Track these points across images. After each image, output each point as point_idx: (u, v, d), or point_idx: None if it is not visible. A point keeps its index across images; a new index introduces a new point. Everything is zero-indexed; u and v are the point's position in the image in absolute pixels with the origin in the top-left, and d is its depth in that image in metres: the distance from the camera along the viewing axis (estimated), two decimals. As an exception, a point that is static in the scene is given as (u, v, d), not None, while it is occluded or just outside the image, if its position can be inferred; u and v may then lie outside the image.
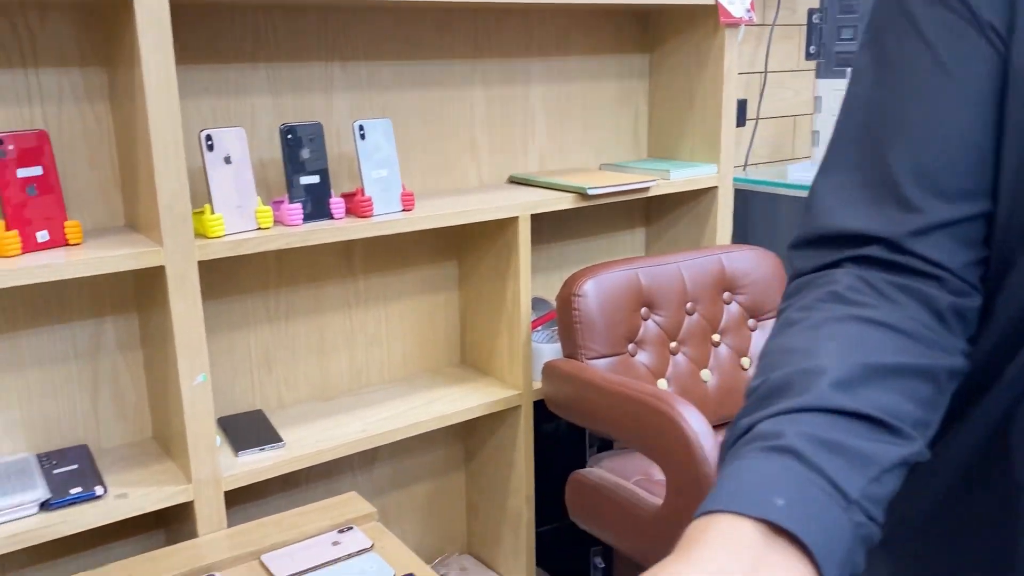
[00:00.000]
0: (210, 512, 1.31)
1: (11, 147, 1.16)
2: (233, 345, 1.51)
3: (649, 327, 1.57)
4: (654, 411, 1.27)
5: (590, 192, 1.59)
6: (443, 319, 1.75)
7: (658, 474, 1.48)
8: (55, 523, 1.19)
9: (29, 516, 1.20)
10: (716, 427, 1.57)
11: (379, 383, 1.69)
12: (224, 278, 1.48)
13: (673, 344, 1.59)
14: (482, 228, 1.64)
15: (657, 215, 1.99)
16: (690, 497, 1.22)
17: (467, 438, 1.83)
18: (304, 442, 1.43)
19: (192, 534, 1.34)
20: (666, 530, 1.29)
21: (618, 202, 1.94)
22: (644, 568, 1.42)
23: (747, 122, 2.26)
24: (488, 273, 1.65)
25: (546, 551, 1.83)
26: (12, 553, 1.35)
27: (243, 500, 1.59)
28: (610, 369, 1.50)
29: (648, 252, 2.03)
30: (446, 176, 1.70)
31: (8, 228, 1.16)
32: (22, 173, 1.17)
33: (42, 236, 1.19)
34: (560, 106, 1.82)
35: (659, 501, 1.33)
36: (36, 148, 1.19)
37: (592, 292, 1.50)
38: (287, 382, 1.58)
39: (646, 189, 1.70)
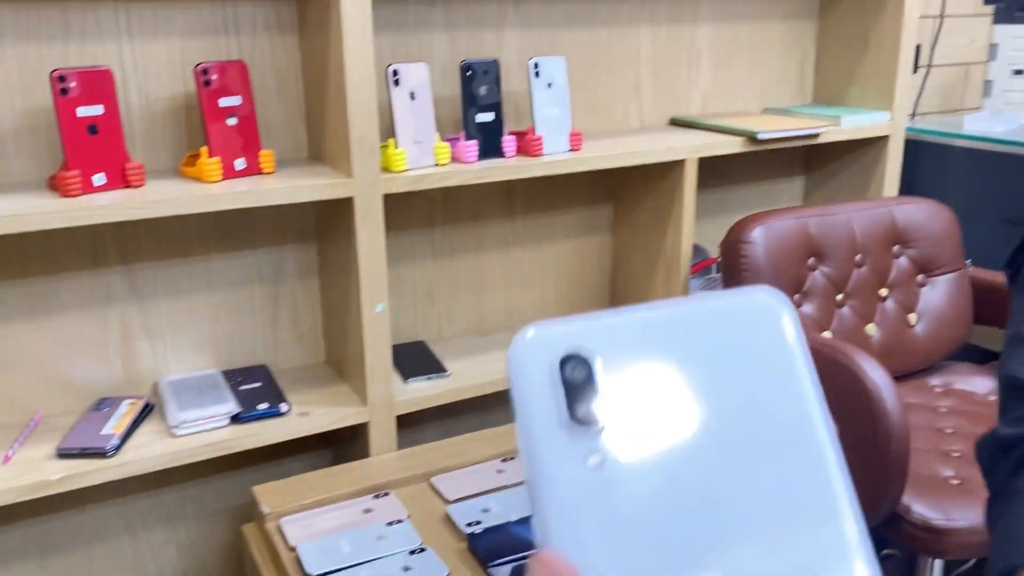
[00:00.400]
0: (382, 434, 1.37)
1: (214, 77, 1.22)
2: (400, 278, 1.55)
3: (816, 278, 1.53)
4: (832, 362, 1.24)
5: (760, 137, 1.55)
6: (596, 262, 1.75)
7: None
8: (243, 436, 1.27)
9: (221, 428, 1.28)
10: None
11: (532, 322, 1.71)
12: (395, 213, 1.52)
13: (839, 296, 1.55)
14: (644, 171, 1.62)
15: (819, 163, 1.93)
16: (867, 451, 1.20)
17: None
18: (465, 374, 1.47)
19: (361, 454, 1.40)
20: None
21: (779, 149, 1.88)
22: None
23: (918, 69, 2.15)
24: (646, 217, 1.64)
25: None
26: (200, 462, 1.44)
27: (403, 426, 1.65)
28: (775, 318, 1.47)
29: (807, 201, 1.97)
30: (607, 116, 1.68)
31: (211, 155, 1.22)
32: (224, 102, 1.23)
33: (239, 164, 1.25)
34: (725, 47, 1.77)
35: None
36: (236, 78, 1.24)
37: (760, 239, 1.47)
38: (447, 316, 1.62)
39: (816, 135, 1.64)
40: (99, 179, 1.15)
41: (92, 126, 1.14)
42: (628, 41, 1.66)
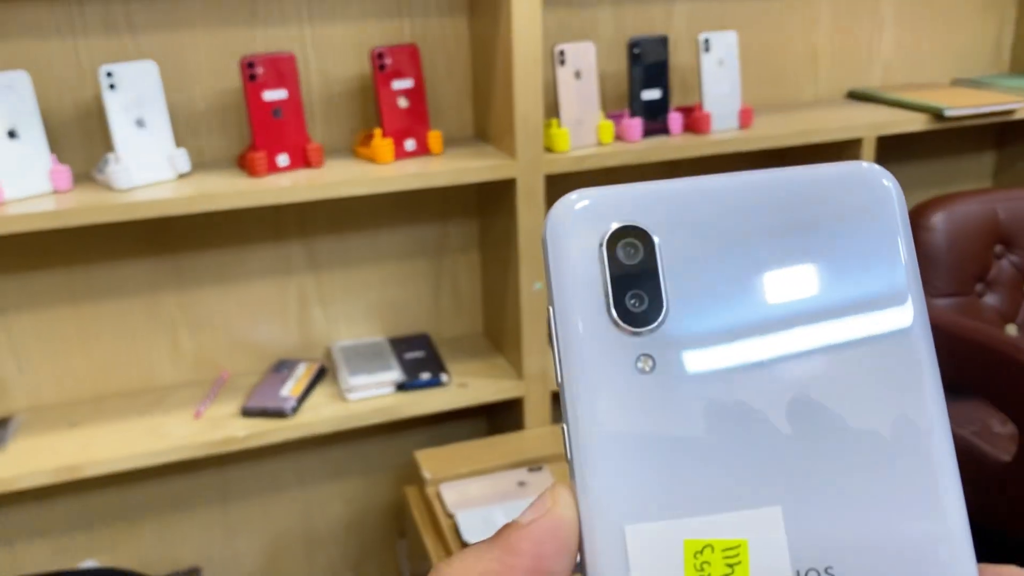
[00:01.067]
0: (537, 408, 1.40)
1: (388, 60, 1.26)
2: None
3: (1003, 267, 1.43)
4: (1010, 361, 1.16)
5: (948, 114, 1.44)
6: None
7: (998, 426, 1.37)
8: (407, 403, 1.33)
9: (388, 394, 1.35)
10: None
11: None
12: (557, 191, 1.53)
13: (1029, 287, 1.44)
14: (817, 148, 1.55)
15: (1012, 139, 1.78)
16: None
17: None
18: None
19: (516, 426, 1.44)
20: (1013, 489, 1.20)
21: (969, 125, 1.75)
22: (981, 525, 1.33)
23: None
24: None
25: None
26: (365, 427, 1.53)
27: (558, 402, 1.68)
28: (954, 309, 1.39)
29: (996, 180, 1.83)
30: (779, 89, 1.61)
31: (384, 136, 1.26)
32: (396, 85, 1.27)
33: (410, 145, 1.29)
34: (913, 11, 1.65)
35: (1004, 457, 1.24)
36: (408, 62, 1.27)
37: (941, 224, 1.38)
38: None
39: (1010, 112, 1.51)
40: (283, 159, 1.23)
41: (277, 109, 1.21)
42: (805, 8, 1.58)
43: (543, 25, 1.41)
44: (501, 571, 0.22)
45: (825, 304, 0.24)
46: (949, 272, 1.39)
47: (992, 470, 1.24)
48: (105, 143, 1.21)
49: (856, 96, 1.63)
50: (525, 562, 0.22)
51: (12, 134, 1.13)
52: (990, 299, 1.42)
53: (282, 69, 1.21)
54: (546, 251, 0.25)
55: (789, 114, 1.51)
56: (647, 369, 0.23)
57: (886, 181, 0.25)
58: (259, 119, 1.20)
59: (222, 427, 1.27)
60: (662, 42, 1.36)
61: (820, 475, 0.23)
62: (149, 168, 1.18)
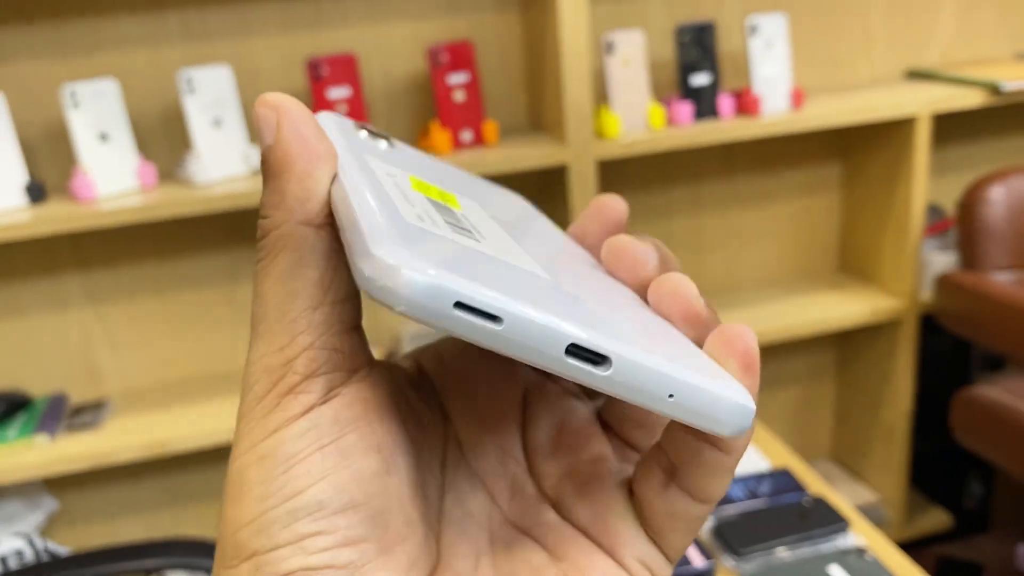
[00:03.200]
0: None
1: (445, 56, 1.32)
2: (617, 239, 1.61)
3: (1067, 240, 1.41)
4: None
5: (1004, 89, 1.43)
6: (823, 222, 1.70)
7: (1065, 401, 1.35)
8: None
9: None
10: None
11: (753, 284, 1.71)
12: (611, 176, 1.57)
13: (1096, 261, 1.41)
14: (873, 128, 1.55)
15: (1084, 112, 1.74)
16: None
17: (841, 346, 1.79)
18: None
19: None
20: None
21: (1035, 98, 1.72)
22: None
23: None
24: (877, 176, 1.57)
25: (918, 470, 1.76)
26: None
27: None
28: (1015, 284, 1.38)
29: (1068, 155, 1.79)
30: (835, 70, 1.62)
31: (442, 128, 1.33)
32: (452, 79, 1.33)
33: (466, 136, 1.35)
34: (973, -11, 1.64)
35: (1066, 430, 1.22)
36: (463, 57, 1.34)
37: (1001, 198, 1.37)
38: (664, 276, 1.66)
39: (1076, 83, 1.48)
40: (346, 153, 1.30)
41: (341, 106, 1.29)
42: (858, -9, 1.58)
43: (594, 16, 1.46)
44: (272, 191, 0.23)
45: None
46: (1009, 245, 1.38)
47: (1054, 442, 1.23)
48: (186, 142, 1.31)
49: (914, 75, 1.62)
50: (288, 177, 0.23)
51: (103, 137, 1.23)
52: (1055, 273, 1.40)
53: (345, 68, 1.29)
54: None
55: (843, 95, 1.52)
56: (384, 149, 0.29)
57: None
58: (324, 115, 1.28)
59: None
60: (709, 28, 1.39)
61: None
62: (226, 164, 1.27)
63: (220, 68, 1.26)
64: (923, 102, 1.43)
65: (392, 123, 1.43)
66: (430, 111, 1.43)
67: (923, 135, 1.44)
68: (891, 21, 1.62)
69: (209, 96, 1.25)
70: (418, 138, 1.39)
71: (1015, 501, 1.55)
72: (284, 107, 0.23)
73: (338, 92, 1.29)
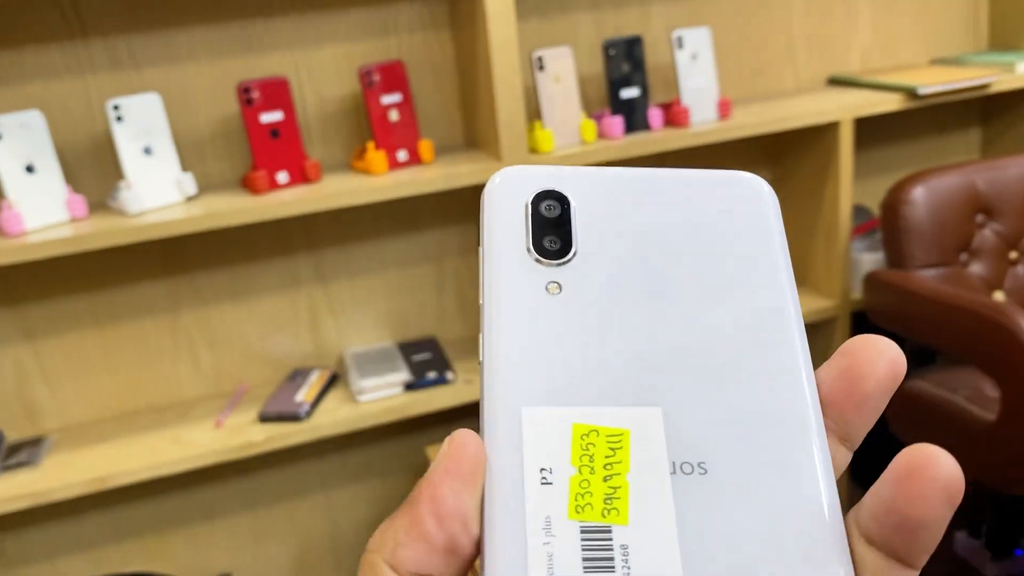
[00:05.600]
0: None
1: (377, 77, 1.33)
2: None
3: (985, 235, 1.47)
4: (992, 324, 1.20)
5: (921, 92, 1.49)
6: (755, 227, 1.74)
7: (989, 390, 1.40)
8: (415, 402, 1.40)
9: (397, 395, 1.41)
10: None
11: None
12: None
13: (1013, 254, 1.48)
14: (798, 134, 1.60)
15: (997, 113, 1.82)
16: (1031, 415, 1.15)
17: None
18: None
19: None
20: (1000, 447, 1.23)
21: (949, 102, 1.79)
22: (977, 482, 1.37)
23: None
24: (805, 180, 1.62)
25: (856, 465, 1.81)
26: (381, 426, 1.59)
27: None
28: (940, 279, 1.43)
29: (984, 155, 1.86)
30: (760, 80, 1.67)
31: (376, 149, 1.34)
32: (385, 100, 1.34)
33: (402, 155, 1.36)
34: (887, -2, 1.70)
35: (991, 417, 1.27)
36: (396, 77, 1.35)
37: (922, 198, 1.43)
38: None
39: (985, 86, 1.55)
40: (282, 177, 1.30)
41: (274, 130, 1.29)
42: (779, 1, 1.63)
43: (523, 33, 1.48)
44: (409, 525, 0.23)
45: (703, 271, 0.28)
46: (932, 243, 1.43)
47: (980, 429, 1.28)
48: (116, 172, 1.29)
49: (835, 82, 1.68)
50: (424, 507, 0.24)
51: (30, 169, 1.21)
52: (976, 268, 1.46)
53: (277, 92, 1.29)
54: (482, 208, 0.29)
55: (768, 103, 1.56)
56: (555, 292, 0.27)
57: (756, 188, 0.30)
58: (258, 140, 1.28)
59: (241, 434, 1.34)
60: (637, 42, 1.42)
61: (698, 383, 0.27)
62: (158, 192, 1.26)
63: (149, 96, 1.25)
64: (846, 107, 1.48)
65: (327, 146, 1.44)
66: (365, 132, 1.43)
67: (847, 139, 1.49)
68: (812, 31, 1.67)
69: (138, 124, 1.24)
70: (354, 159, 1.40)
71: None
72: (448, 451, 0.25)
73: (270, 116, 1.29)
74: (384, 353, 1.52)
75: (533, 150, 1.36)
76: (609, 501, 0.25)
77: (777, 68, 1.67)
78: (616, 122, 1.40)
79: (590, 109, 1.52)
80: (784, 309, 0.28)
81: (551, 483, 0.25)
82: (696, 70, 1.44)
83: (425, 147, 1.37)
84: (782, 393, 0.27)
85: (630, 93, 1.43)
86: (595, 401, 0.26)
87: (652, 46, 1.56)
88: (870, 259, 1.58)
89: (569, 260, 0.28)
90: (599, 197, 0.29)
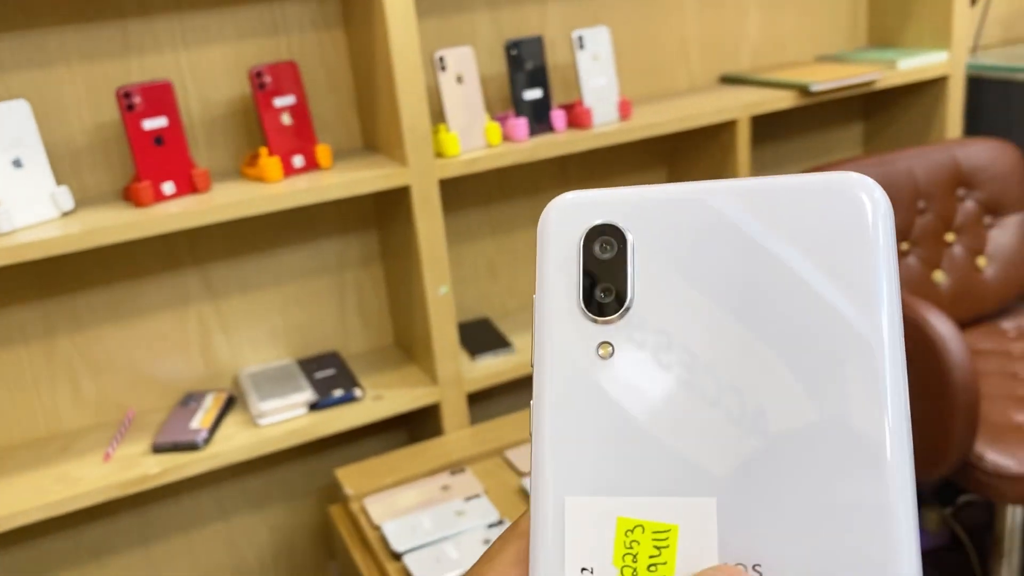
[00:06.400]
0: (454, 412, 1.41)
1: (267, 79, 1.25)
2: (461, 257, 1.59)
3: (878, 228, 1.52)
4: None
5: (813, 89, 1.52)
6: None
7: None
8: (322, 422, 1.33)
9: (300, 416, 1.34)
10: (951, 330, 1.50)
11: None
12: (452, 193, 1.55)
13: (904, 245, 1.53)
14: (696, 133, 1.61)
15: (877, 108, 1.89)
16: (935, 403, 1.19)
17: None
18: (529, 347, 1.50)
19: (435, 432, 1.45)
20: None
21: (838, 98, 1.85)
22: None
23: (976, 1, 2.07)
24: (702, 178, 1.63)
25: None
26: (283, 449, 1.51)
27: (474, 402, 1.70)
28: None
29: (867, 149, 1.94)
30: (656, 80, 1.67)
31: (270, 154, 1.26)
32: (278, 102, 1.27)
33: (298, 161, 1.29)
34: (773, -2, 1.74)
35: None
36: (288, 78, 1.27)
37: (818, 194, 1.46)
38: (510, 291, 1.65)
39: (871, 83, 1.60)
40: (168, 187, 1.21)
41: (158, 138, 1.19)
42: (672, 1, 1.64)
43: (422, 32, 1.43)
44: None
45: (783, 312, 0.24)
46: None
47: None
48: (-21, 187, 1.17)
49: (728, 80, 1.70)
50: None
51: None
52: (870, 260, 1.51)
53: (160, 96, 1.19)
54: (537, 244, 0.27)
55: (666, 102, 1.57)
56: (606, 355, 0.25)
57: (864, 192, 0.25)
58: (140, 148, 1.18)
59: (134, 466, 1.24)
60: (538, 42, 1.39)
61: (760, 475, 0.23)
62: (31, 209, 1.15)
63: (15, 103, 1.14)
64: (741, 105, 1.50)
65: (215, 153, 1.35)
66: (257, 137, 1.35)
67: (744, 136, 1.51)
68: (703, 30, 1.69)
69: (5, 135, 1.13)
70: (245, 166, 1.31)
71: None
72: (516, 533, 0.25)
73: (154, 123, 1.19)
74: (283, 371, 1.44)
75: (439, 154, 1.32)
76: None
77: (671, 67, 1.68)
78: (521, 124, 1.37)
79: (492, 111, 1.49)
80: (875, 367, 0.24)
81: None
82: (597, 70, 1.43)
83: (323, 152, 1.30)
84: (860, 479, 0.23)
85: (534, 94, 1.40)
86: (644, 488, 0.24)
87: (551, 45, 1.54)
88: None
89: (622, 314, 0.25)
90: (662, 229, 0.25)
